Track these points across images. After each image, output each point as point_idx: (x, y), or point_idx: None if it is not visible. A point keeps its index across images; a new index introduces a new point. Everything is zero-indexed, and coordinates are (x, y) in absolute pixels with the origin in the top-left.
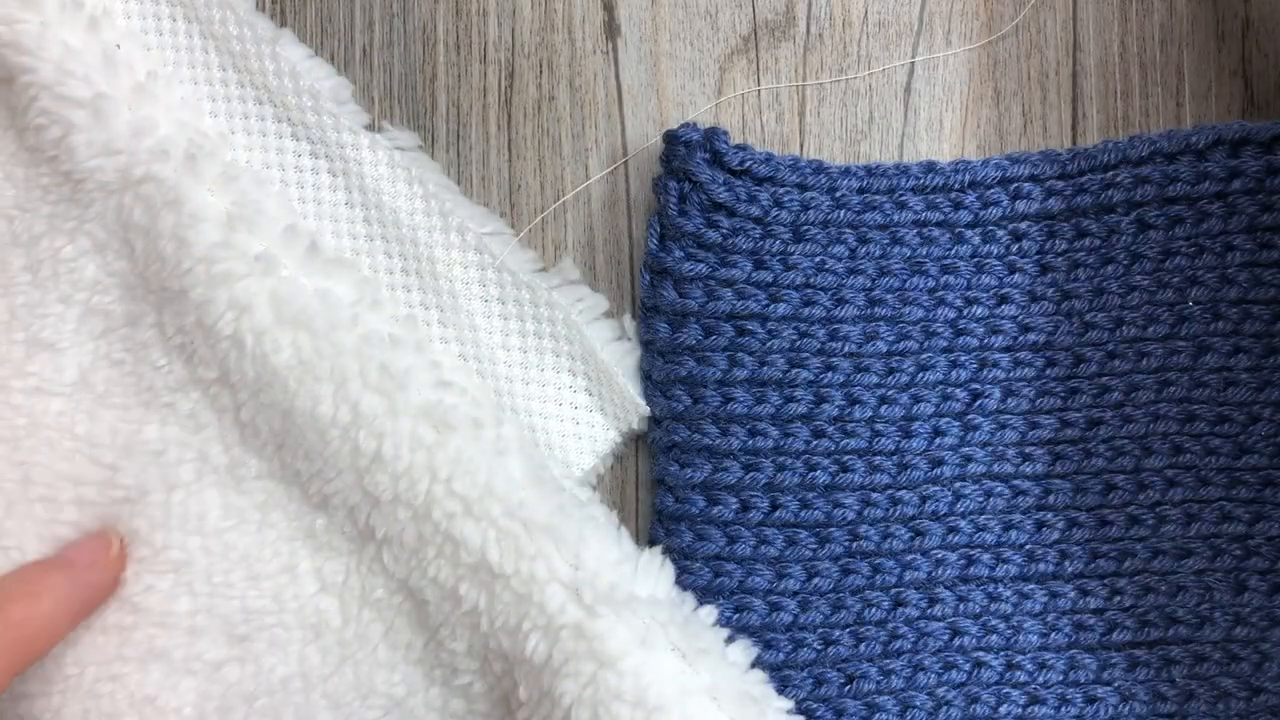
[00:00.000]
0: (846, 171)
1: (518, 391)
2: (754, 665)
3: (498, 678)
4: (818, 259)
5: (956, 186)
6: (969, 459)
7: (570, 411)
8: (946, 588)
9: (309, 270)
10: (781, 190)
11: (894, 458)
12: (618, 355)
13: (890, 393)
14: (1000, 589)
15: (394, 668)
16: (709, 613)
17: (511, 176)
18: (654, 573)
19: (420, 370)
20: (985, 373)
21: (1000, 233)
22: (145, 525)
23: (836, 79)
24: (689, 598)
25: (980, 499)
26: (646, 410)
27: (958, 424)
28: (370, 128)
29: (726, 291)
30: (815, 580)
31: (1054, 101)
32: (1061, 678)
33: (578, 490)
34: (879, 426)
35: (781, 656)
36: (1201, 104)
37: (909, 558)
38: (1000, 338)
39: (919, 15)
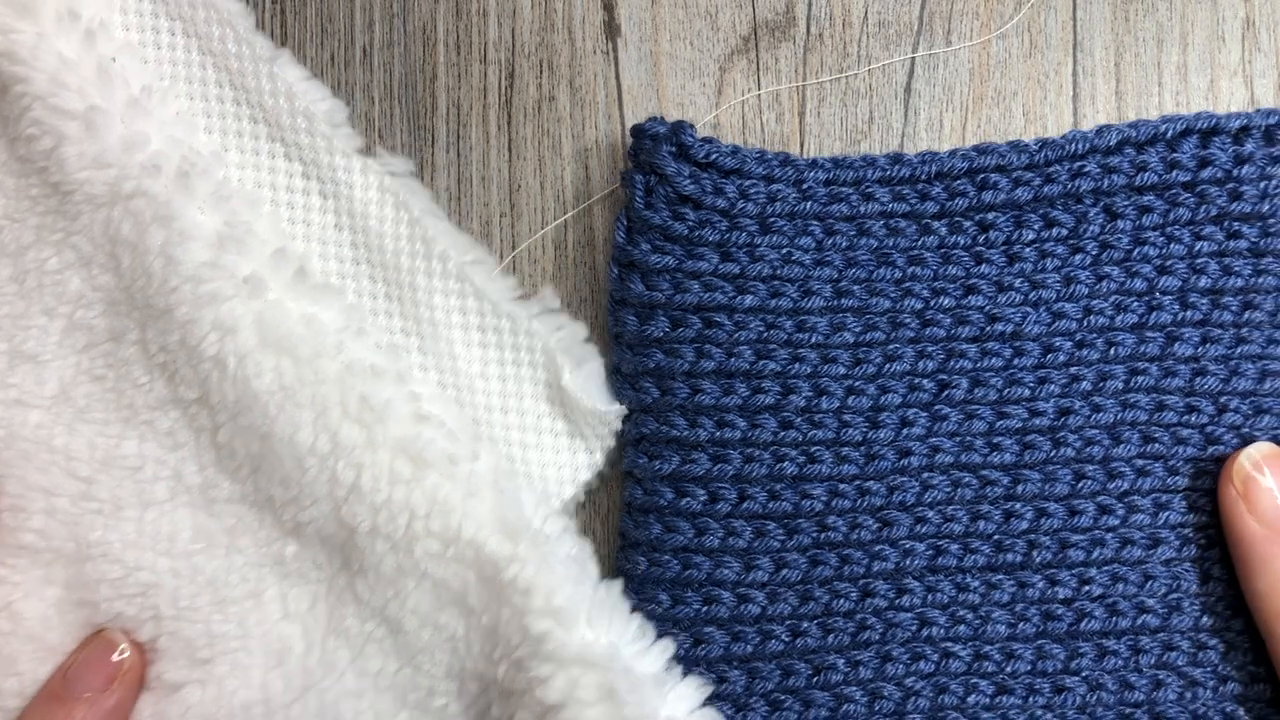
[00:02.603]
0: (813, 164)
1: (496, 420)
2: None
3: (474, 697)
4: (784, 251)
5: (923, 178)
6: (937, 449)
7: (550, 440)
8: (914, 578)
9: (296, 295)
10: (748, 183)
11: (861, 448)
12: (586, 377)
13: (857, 383)
14: (968, 579)
15: (361, 695)
16: (665, 646)
17: (511, 176)
18: (608, 613)
19: (400, 402)
20: (953, 363)
21: (967, 223)
22: (118, 542)
23: (836, 78)
24: (646, 630)
25: (948, 489)
26: (620, 412)
27: (925, 414)
28: (364, 152)
29: (693, 284)
30: (783, 572)
31: (1054, 101)
32: (1029, 667)
33: (551, 522)
34: (846, 417)
35: (749, 648)
36: (1202, 104)
37: (877, 548)
38: (967, 328)
39: (919, 15)
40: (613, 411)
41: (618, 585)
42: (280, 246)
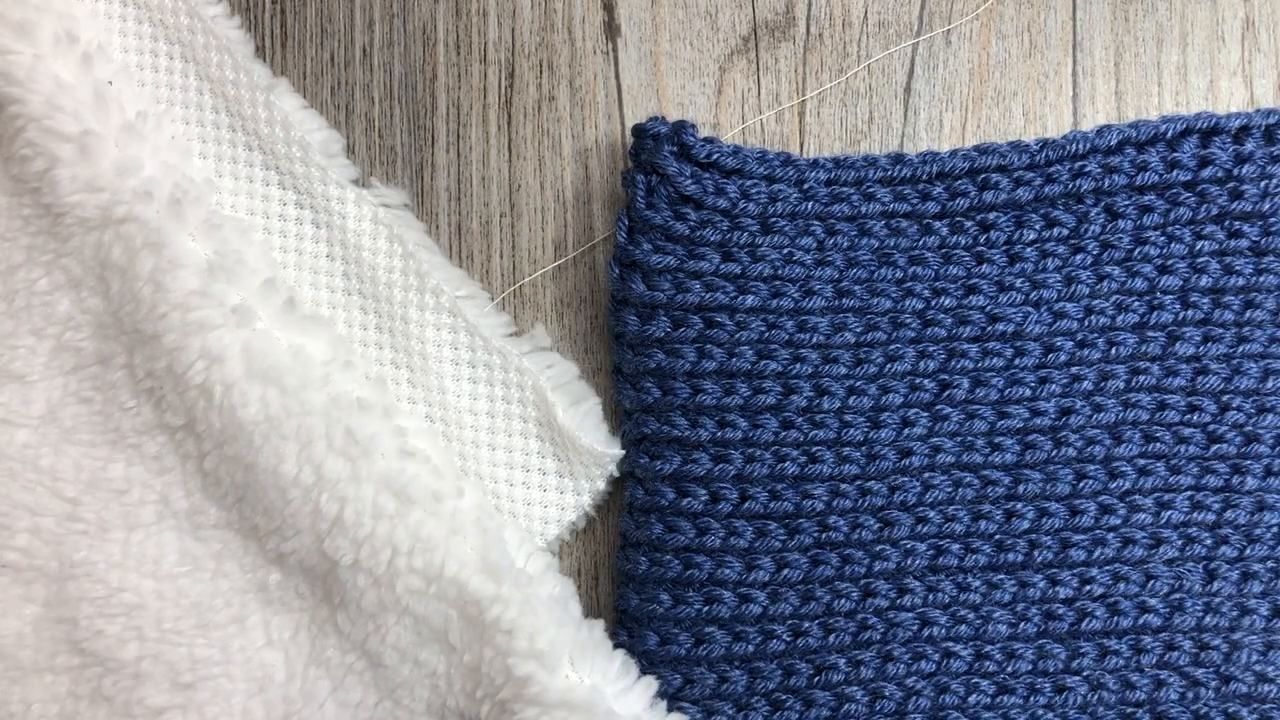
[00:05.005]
0: (814, 164)
1: (484, 457)
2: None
3: None
4: (785, 251)
5: (924, 178)
6: (938, 449)
7: (538, 478)
8: (916, 578)
9: (285, 325)
10: (749, 183)
11: (862, 448)
12: (584, 415)
13: (858, 383)
14: (970, 579)
15: None
16: (648, 684)
17: (511, 176)
18: (591, 654)
19: (385, 436)
20: (954, 363)
21: (968, 223)
22: (103, 562)
23: (837, 80)
24: (629, 668)
25: (949, 489)
26: (618, 454)
27: (926, 414)
28: (358, 183)
29: (695, 284)
30: (784, 571)
31: (1054, 101)
32: (1031, 667)
33: (534, 561)
34: (847, 417)
35: (751, 648)
36: (1201, 104)
37: (878, 548)
38: (969, 328)
39: (919, 15)
40: (610, 453)
41: (599, 625)
42: (270, 276)
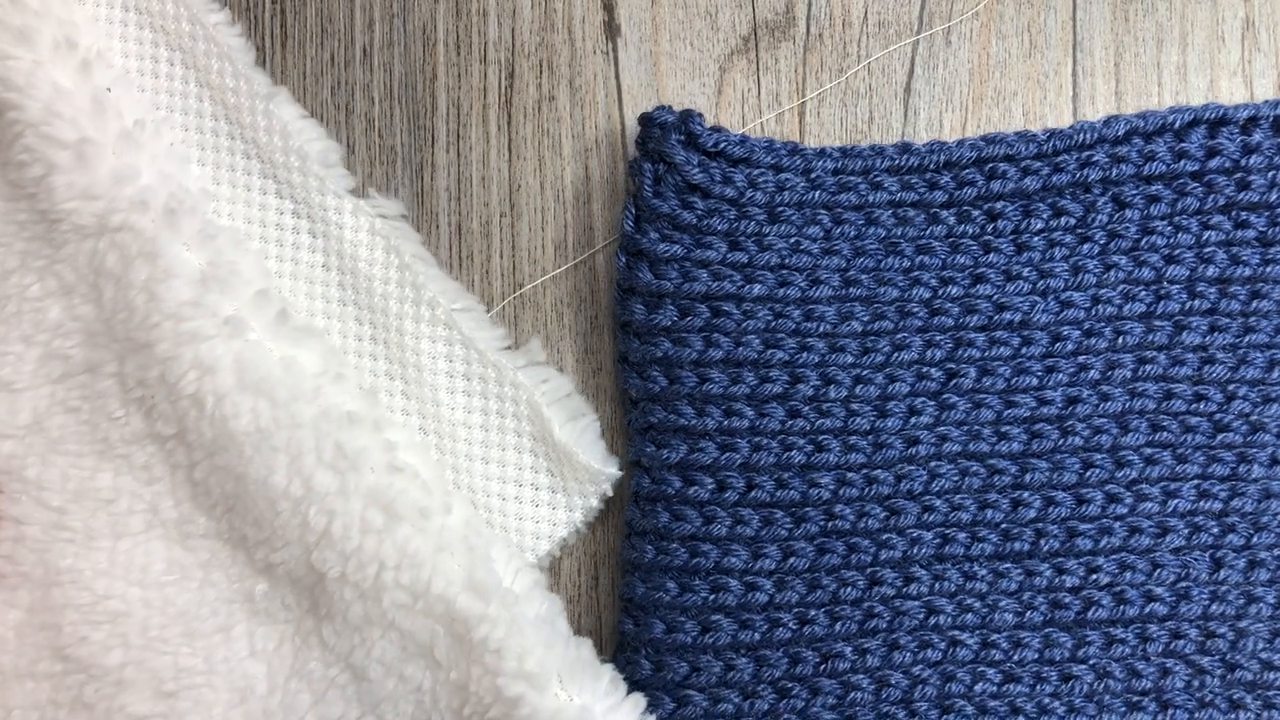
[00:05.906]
0: (822, 153)
1: (476, 470)
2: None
3: None
4: (793, 240)
5: (931, 167)
6: (944, 438)
7: (530, 493)
8: (922, 567)
9: (277, 337)
10: (756, 171)
11: (869, 437)
12: (581, 431)
13: (865, 372)
14: (976, 568)
15: None
16: (636, 702)
17: (511, 176)
18: (580, 673)
19: (375, 451)
20: (961, 352)
21: (976, 212)
22: (89, 570)
23: (837, 80)
24: (617, 685)
25: (956, 478)
26: (615, 474)
27: (933, 403)
28: (355, 193)
29: (702, 272)
30: (791, 560)
31: (1054, 101)
32: (1037, 656)
33: (521, 578)
34: (854, 406)
35: (757, 636)
36: (1202, 103)
37: (884, 537)
38: (976, 317)
39: (919, 15)
40: (607, 471)
41: (587, 643)
42: (263, 287)
